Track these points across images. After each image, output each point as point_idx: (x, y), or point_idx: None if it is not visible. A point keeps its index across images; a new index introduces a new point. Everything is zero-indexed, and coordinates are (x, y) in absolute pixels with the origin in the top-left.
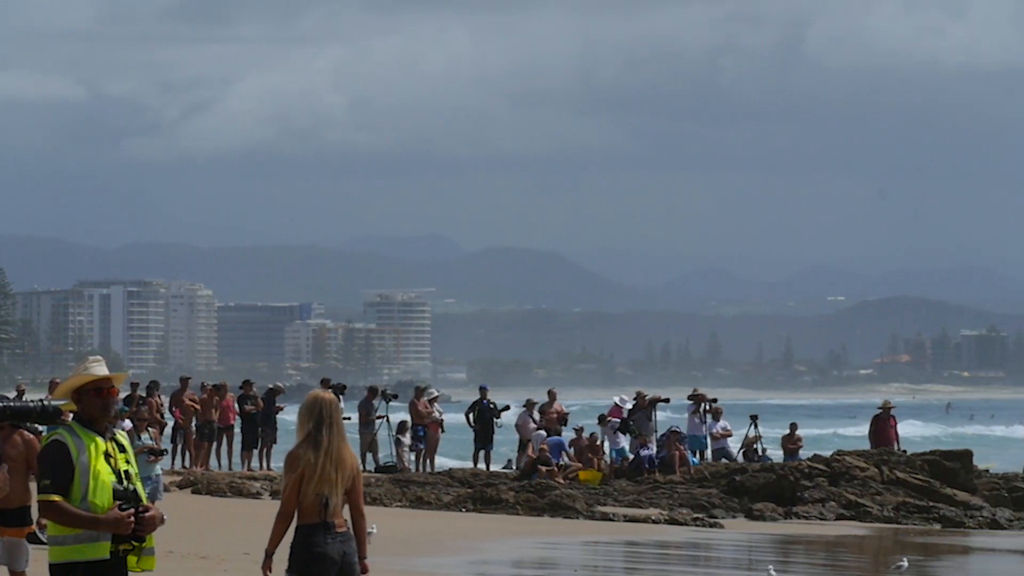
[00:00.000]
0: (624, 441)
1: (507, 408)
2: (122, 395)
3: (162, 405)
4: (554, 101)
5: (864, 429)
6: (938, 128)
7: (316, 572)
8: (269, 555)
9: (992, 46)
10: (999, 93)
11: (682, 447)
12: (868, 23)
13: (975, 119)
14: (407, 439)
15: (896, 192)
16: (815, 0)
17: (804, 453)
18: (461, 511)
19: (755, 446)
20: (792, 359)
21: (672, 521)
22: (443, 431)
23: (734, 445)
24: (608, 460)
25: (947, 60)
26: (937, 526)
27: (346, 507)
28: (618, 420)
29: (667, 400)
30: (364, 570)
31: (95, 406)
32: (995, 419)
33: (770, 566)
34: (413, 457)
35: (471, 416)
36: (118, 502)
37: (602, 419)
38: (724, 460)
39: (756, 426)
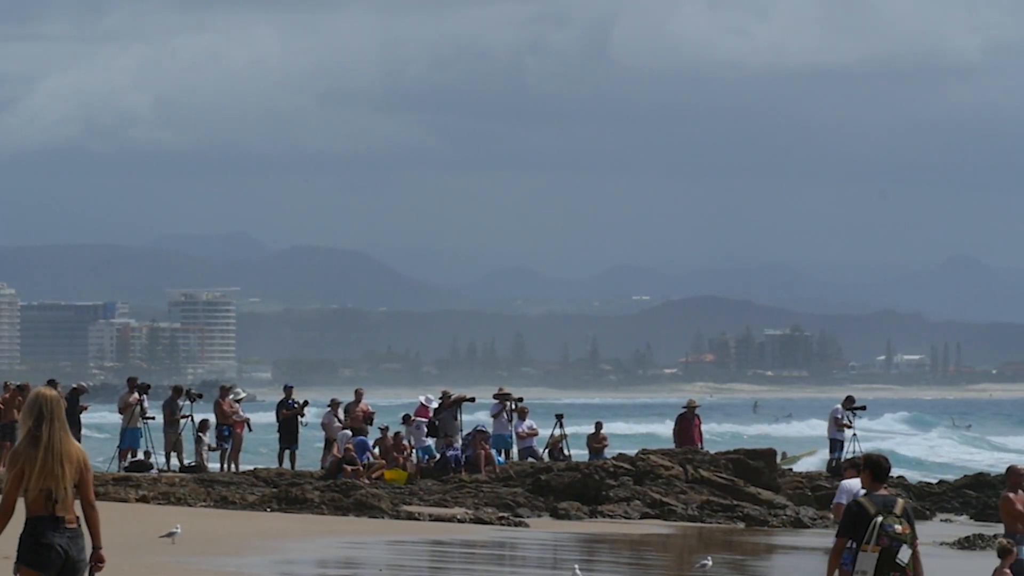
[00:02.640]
0: (429, 440)
1: (306, 403)
2: None
3: None
4: (360, 100)
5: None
6: (744, 129)
7: (40, 563)
8: None
9: (797, 47)
10: (803, 94)
11: (487, 446)
12: (673, 24)
13: (780, 120)
14: (208, 437)
15: (701, 192)
16: (620, 0)
17: (609, 452)
18: (266, 511)
19: (560, 445)
20: (597, 358)
21: (478, 520)
22: (250, 430)
23: (540, 444)
24: (414, 459)
25: (752, 61)
26: (741, 524)
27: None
28: (424, 420)
29: (472, 399)
30: (100, 559)
31: None
32: (793, 418)
33: (576, 565)
34: (209, 454)
35: (279, 415)
36: None
37: (407, 418)
38: (530, 459)
39: (561, 425)
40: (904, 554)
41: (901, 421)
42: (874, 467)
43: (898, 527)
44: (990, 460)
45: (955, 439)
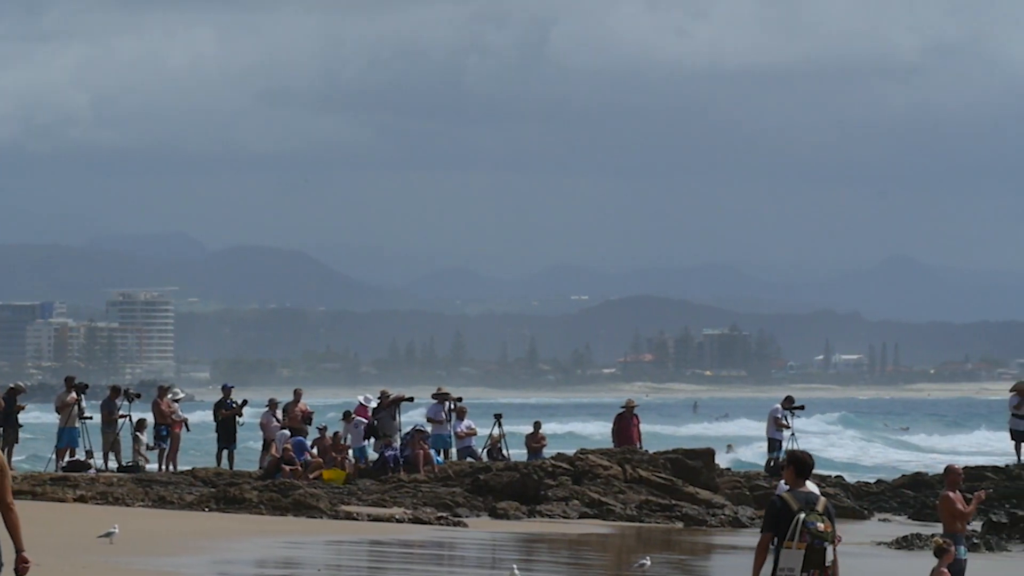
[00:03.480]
0: (366, 442)
1: (245, 403)
2: None
3: None
4: (299, 100)
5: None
6: (682, 129)
7: None
8: None
9: (735, 48)
10: (742, 94)
11: (426, 446)
12: (611, 24)
13: (719, 120)
14: (145, 436)
15: (640, 192)
16: (559, 0)
17: (548, 452)
18: (204, 511)
19: (499, 445)
20: (536, 358)
21: (416, 520)
22: (188, 430)
23: (479, 444)
24: (352, 459)
25: (690, 62)
26: (679, 524)
27: None
28: (364, 420)
29: (411, 399)
30: (24, 561)
31: None
32: (728, 417)
33: (514, 565)
34: (147, 454)
35: (217, 415)
36: None
37: (347, 415)
38: (468, 459)
39: (500, 425)
40: (830, 553)
41: (833, 422)
42: (798, 464)
43: (820, 525)
44: (915, 461)
45: (880, 442)
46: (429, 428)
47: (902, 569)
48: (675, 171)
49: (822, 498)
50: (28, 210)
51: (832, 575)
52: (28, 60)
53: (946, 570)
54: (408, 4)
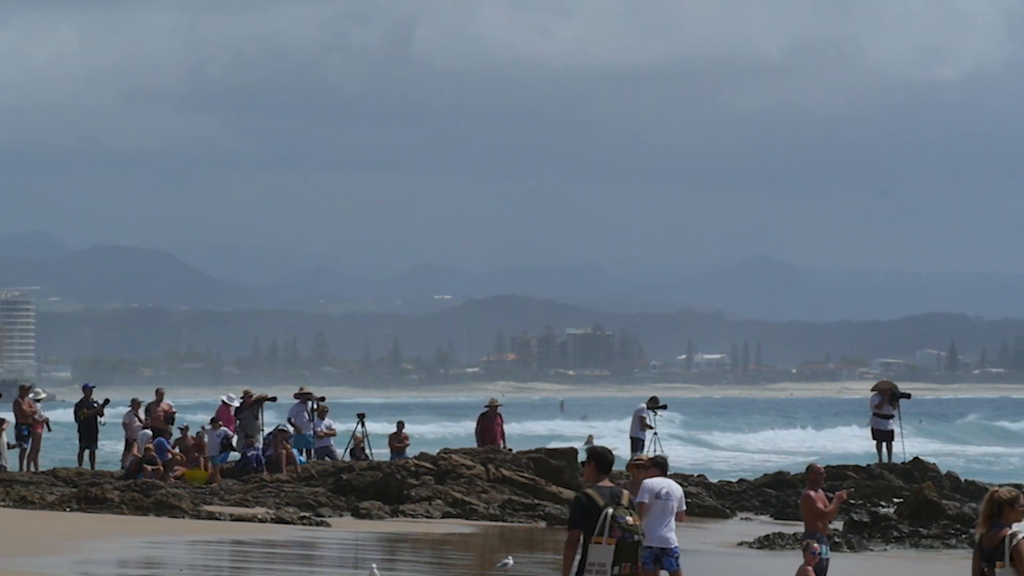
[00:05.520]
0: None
1: (107, 403)
2: None
3: None
4: (163, 98)
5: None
6: (546, 129)
7: None
8: None
9: (599, 48)
10: (606, 94)
11: (289, 445)
12: (475, 24)
13: (582, 120)
14: (5, 436)
15: (503, 192)
16: (422, 0)
17: (411, 451)
18: (66, 511)
19: (362, 444)
20: (400, 358)
21: (279, 520)
22: (49, 430)
23: (339, 444)
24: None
25: (554, 61)
26: (543, 524)
27: None
28: (228, 431)
29: (274, 399)
30: None
31: None
32: (589, 418)
33: (373, 564)
34: (9, 454)
35: (78, 415)
36: None
37: (215, 423)
38: (327, 458)
39: (363, 424)
40: (639, 547)
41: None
42: (599, 460)
43: (630, 518)
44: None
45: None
46: (291, 428)
47: (765, 568)
48: (539, 171)
49: (625, 492)
50: None
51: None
52: None
53: (811, 569)
54: (272, 3)
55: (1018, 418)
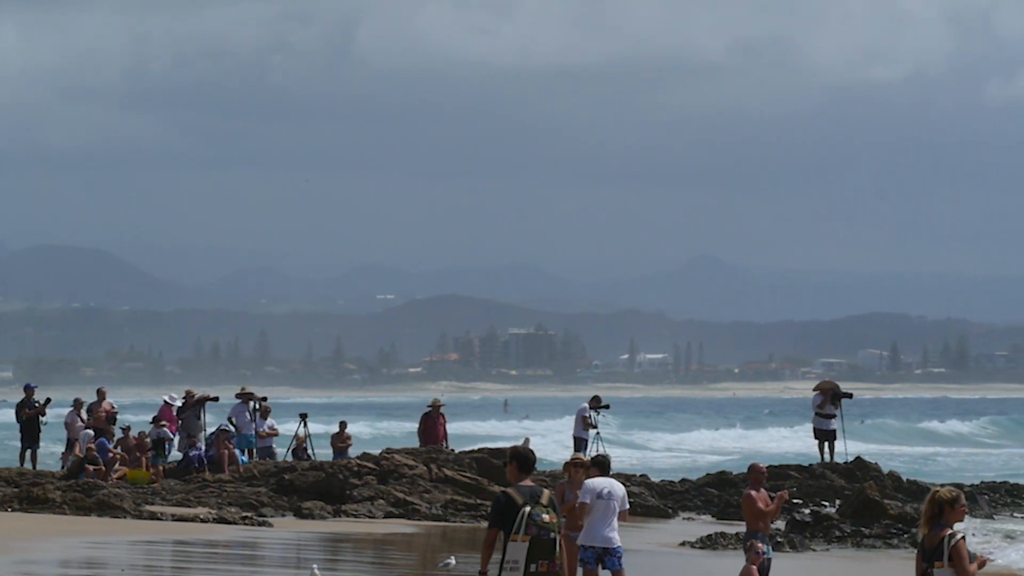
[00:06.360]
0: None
1: (48, 402)
2: None
3: None
4: (103, 97)
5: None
6: (488, 128)
7: None
8: None
9: (542, 47)
10: (548, 94)
11: (231, 445)
12: (417, 23)
13: (525, 119)
14: None
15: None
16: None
17: (353, 451)
18: (7, 511)
19: (305, 444)
20: (342, 357)
21: (221, 520)
22: None
23: (281, 444)
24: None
25: (496, 61)
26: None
27: None
28: (169, 433)
29: (216, 399)
30: None
31: None
32: (530, 418)
33: (314, 564)
34: None
35: (20, 415)
36: None
37: (156, 420)
38: (268, 459)
39: (306, 424)
40: (557, 543)
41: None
42: (520, 460)
43: (546, 516)
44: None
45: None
46: (233, 428)
47: (708, 568)
48: (481, 171)
49: (546, 491)
50: None
51: (561, 565)
52: None
53: (755, 568)
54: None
55: (947, 418)
